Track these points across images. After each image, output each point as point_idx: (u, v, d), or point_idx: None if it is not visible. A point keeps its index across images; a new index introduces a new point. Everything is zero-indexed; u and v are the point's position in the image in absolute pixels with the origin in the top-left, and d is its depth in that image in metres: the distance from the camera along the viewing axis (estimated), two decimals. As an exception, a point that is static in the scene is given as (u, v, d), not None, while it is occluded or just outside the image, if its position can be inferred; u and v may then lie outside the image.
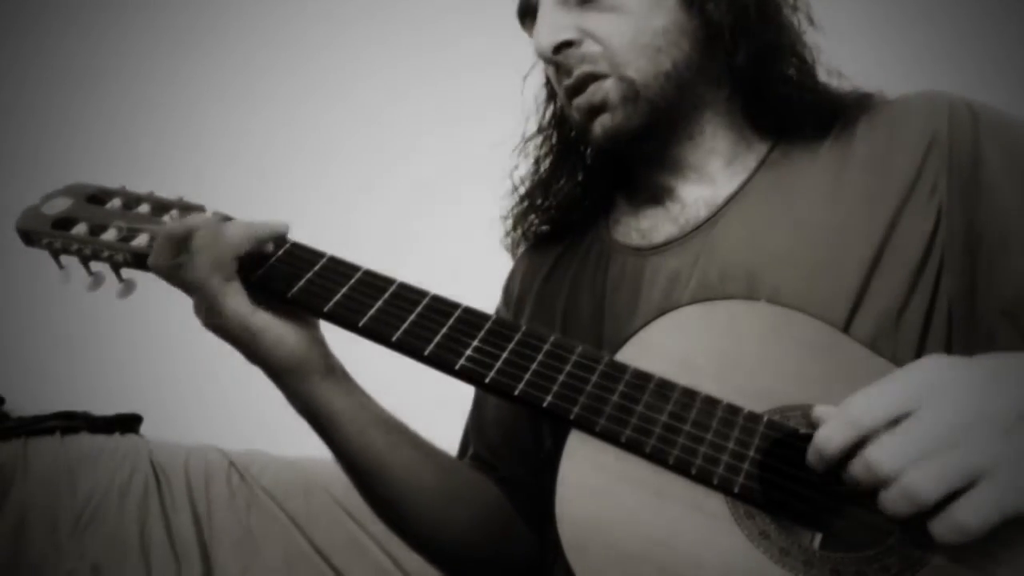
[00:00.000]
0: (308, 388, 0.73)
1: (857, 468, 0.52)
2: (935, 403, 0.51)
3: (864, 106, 0.82)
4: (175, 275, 0.70)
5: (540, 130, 0.98)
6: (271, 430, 1.79)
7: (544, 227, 0.98)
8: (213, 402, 1.92)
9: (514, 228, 0.99)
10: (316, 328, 0.75)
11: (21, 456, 1.59)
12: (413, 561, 1.42)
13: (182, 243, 0.69)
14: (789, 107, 0.83)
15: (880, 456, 0.50)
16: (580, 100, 0.81)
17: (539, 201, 0.96)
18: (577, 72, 0.80)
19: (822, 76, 0.84)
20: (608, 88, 0.80)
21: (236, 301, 0.69)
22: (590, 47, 0.80)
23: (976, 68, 1.64)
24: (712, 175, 0.85)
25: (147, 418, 1.83)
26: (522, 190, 0.98)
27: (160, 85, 2.19)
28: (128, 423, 1.81)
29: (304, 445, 1.78)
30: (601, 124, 0.81)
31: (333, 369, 0.74)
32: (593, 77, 0.80)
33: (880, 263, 0.72)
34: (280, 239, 0.74)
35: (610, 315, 0.82)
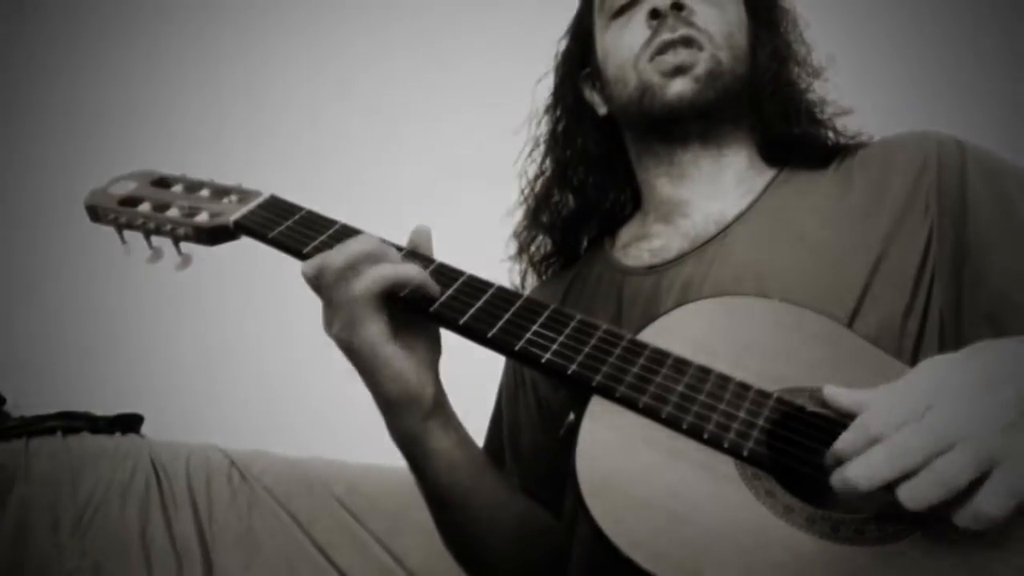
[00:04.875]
0: (410, 424, 0.75)
1: (879, 459, 0.53)
2: (944, 402, 0.54)
3: (862, 144, 0.93)
4: (326, 286, 0.71)
5: (539, 144, 1.07)
6: (272, 429, 1.80)
7: (550, 251, 1.05)
8: (214, 402, 1.92)
9: (520, 253, 1.06)
10: (434, 369, 0.77)
11: (22, 456, 1.59)
12: (415, 559, 1.43)
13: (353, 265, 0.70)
14: (797, 141, 0.94)
15: (906, 446, 0.53)
16: (670, 57, 0.90)
17: (543, 218, 1.05)
18: (682, 31, 0.90)
19: (827, 114, 0.97)
20: (702, 58, 0.90)
21: (376, 328, 0.70)
22: (699, 20, 0.91)
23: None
24: (724, 190, 0.93)
25: (148, 418, 1.83)
26: (530, 204, 1.06)
27: (172, 88, 2.20)
28: (129, 423, 1.80)
29: (305, 445, 1.79)
30: (682, 83, 0.90)
31: (439, 409, 0.76)
32: (693, 42, 0.90)
33: (879, 272, 0.78)
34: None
35: (627, 327, 0.84)
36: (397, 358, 0.71)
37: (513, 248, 1.07)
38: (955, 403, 0.54)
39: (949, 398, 0.54)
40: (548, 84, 1.09)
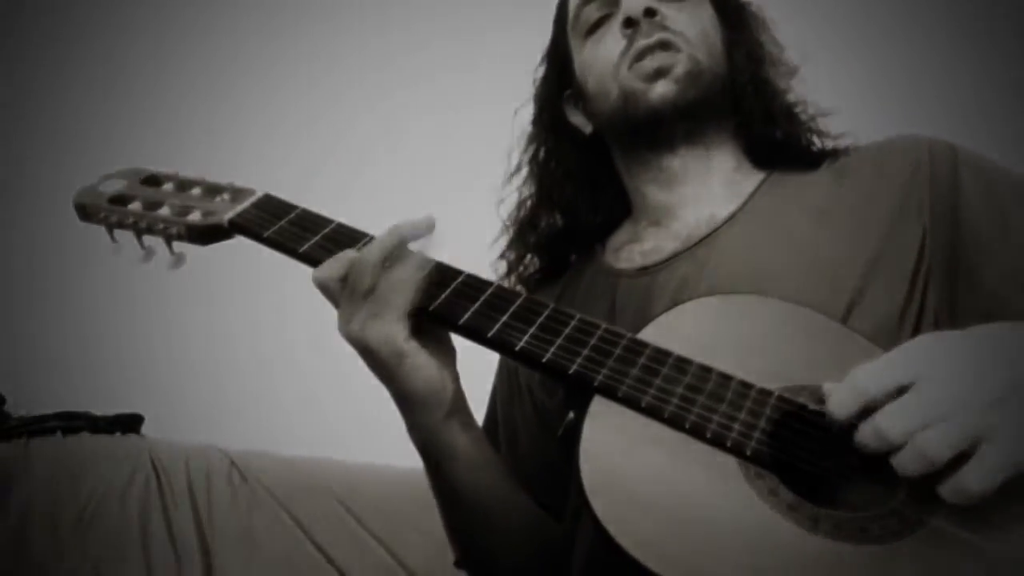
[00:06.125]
0: (432, 423, 0.75)
1: (867, 434, 0.55)
2: (934, 375, 0.55)
3: (849, 149, 0.94)
4: (355, 281, 0.71)
5: (521, 167, 1.09)
6: (272, 430, 1.80)
7: (537, 268, 1.06)
8: (214, 402, 1.92)
9: (508, 273, 1.07)
10: (453, 367, 0.77)
11: (22, 456, 1.58)
12: (415, 559, 1.42)
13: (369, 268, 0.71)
14: (782, 144, 0.95)
15: (889, 423, 0.54)
16: (648, 62, 0.91)
17: (530, 239, 1.06)
18: (658, 36, 0.91)
19: (808, 115, 0.99)
20: (680, 60, 0.91)
21: (400, 325, 0.71)
22: (672, 24, 0.92)
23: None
24: (713, 193, 0.93)
25: (148, 418, 1.83)
26: (512, 231, 1.07)
27: (175, 85, 2.20)
28: (129, 423, 1.80)
29: (305, 445, 1.78)
30: (663, 86, 0.91)
31: (461, 406, 0.77)
32: (670, 45, 0.91)
33: (873, 274, 0.79)
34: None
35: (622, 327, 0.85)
36: (417, 352, 0.72)
37: (502, 269, 1.08)
38: (945, 377, 0.54)
39: (940, 371, 0.55)
40: (529, 112, 1.11)
